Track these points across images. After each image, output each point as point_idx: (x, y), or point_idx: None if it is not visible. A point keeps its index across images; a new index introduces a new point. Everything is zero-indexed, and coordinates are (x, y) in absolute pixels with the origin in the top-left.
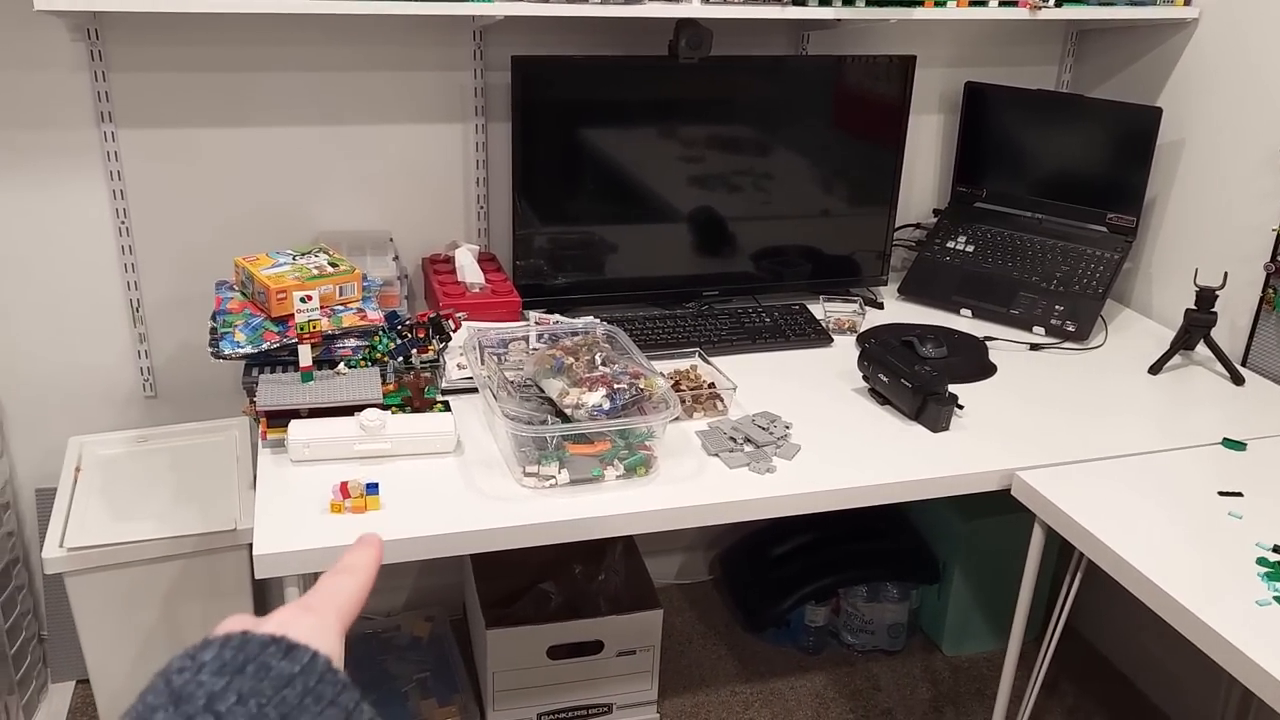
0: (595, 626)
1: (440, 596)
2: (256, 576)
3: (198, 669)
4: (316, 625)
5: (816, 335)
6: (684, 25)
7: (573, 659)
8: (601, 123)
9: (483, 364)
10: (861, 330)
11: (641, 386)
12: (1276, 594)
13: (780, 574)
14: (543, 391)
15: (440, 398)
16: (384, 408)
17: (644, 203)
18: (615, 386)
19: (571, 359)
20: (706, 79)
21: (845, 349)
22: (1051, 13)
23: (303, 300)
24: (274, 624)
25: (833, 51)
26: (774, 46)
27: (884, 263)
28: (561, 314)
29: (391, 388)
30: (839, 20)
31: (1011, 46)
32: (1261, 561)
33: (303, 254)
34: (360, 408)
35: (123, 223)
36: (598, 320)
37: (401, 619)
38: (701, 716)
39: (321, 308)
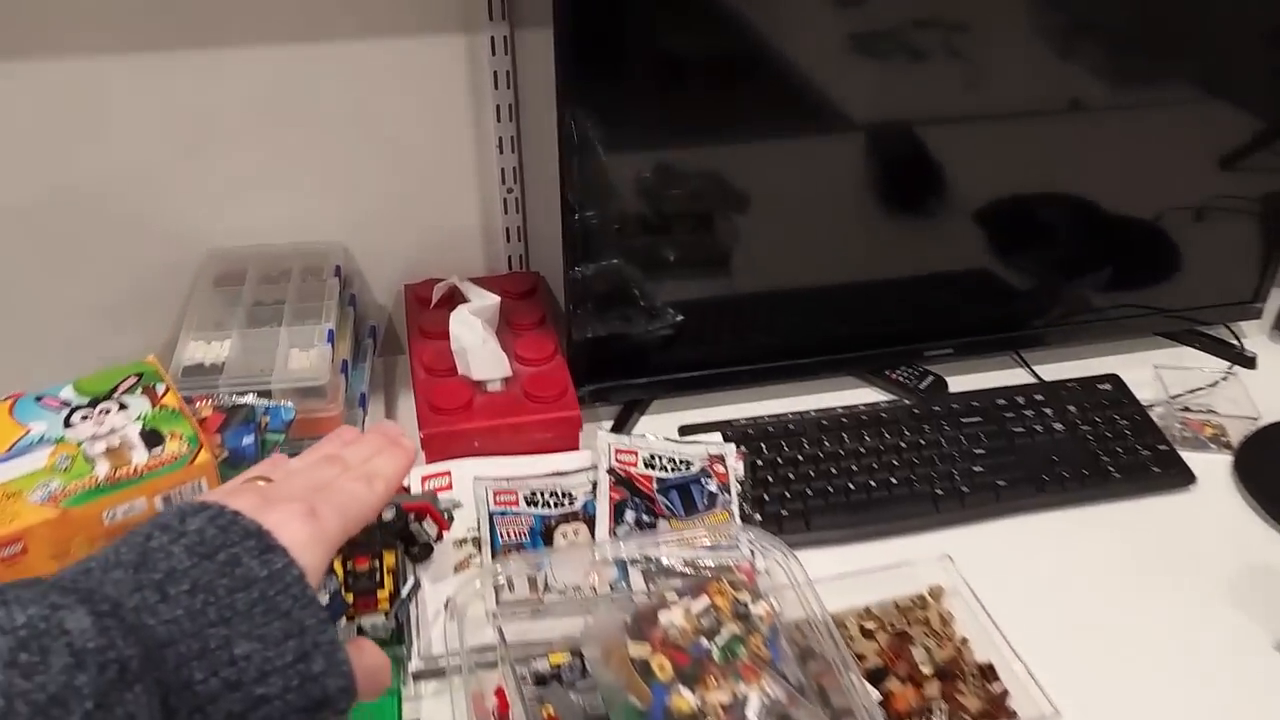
0: None
1: None
2: None
3: (177, 536)
4: (311, 535)
5: (1164, 466)
6: None
7: None
8: (729, 30)
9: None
10: (1245, 438)
11: None
12: None
13: None
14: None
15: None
16: None
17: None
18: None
19: (729, 630)
20: None
21: (1219, 493)
22: None
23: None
24: (275, 517)
25: None
26: None
27: (1263, 281)
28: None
29: None
30: None
31: None
32: None
33: (98, 398)
34: None
35: None
36: (732, 445)
37: None
38: None
39: None
